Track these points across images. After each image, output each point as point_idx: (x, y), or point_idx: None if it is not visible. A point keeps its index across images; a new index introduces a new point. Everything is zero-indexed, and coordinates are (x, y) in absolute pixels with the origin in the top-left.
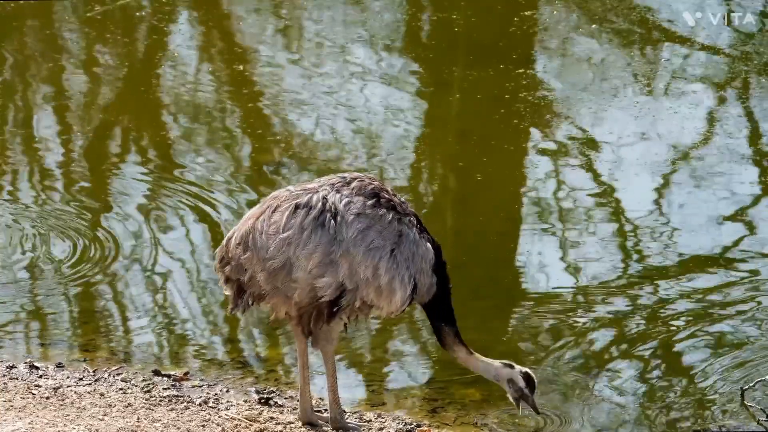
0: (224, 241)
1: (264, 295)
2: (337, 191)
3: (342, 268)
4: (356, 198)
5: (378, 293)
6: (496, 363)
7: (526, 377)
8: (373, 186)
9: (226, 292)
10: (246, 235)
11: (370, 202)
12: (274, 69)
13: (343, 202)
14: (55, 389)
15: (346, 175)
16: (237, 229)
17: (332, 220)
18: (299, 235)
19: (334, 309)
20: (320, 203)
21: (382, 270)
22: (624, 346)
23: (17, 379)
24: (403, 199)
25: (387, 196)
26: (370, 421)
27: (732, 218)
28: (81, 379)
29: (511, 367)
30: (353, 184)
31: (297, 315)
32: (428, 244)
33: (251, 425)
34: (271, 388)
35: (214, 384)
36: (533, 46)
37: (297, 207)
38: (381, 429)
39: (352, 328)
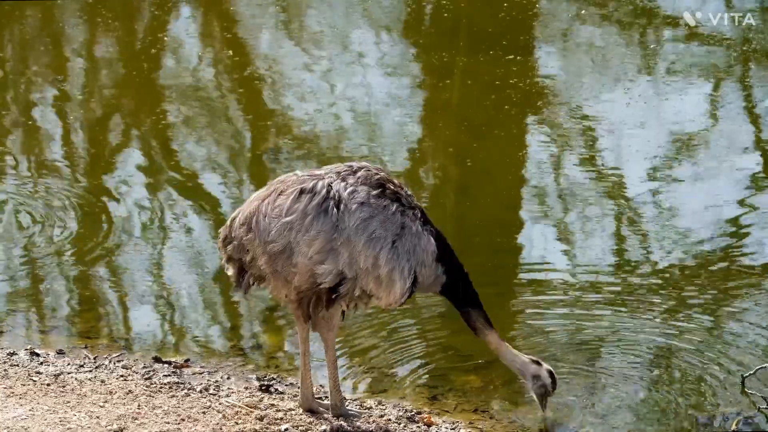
0: (228, 221)
1: (264, 277)
2: (343, 179)
3: (342, 257)
4: (361, 187)
5: (377, 283)
6: (525, 357)
7: (552, 376)
8: (379, 176)
9: (229, 272)
10: (250, 216)
11: (374, 192)
12: (275, 56)
13: (348, 191)
14: (56, 376)
15: (353, 163)
16: (242, 210)
17: (335, 208)
18: (301, 221)
19: (333, 296)
20: (324, 190)
21: (382, 260)
22: (624, 333)
23: (18, 365)
24: (409, 192)
25: (393, 187)
26: (371, 408)
27: (732, 205)
28: (82, 365)
29: (539, 364)
30: (359, 173)
31: (296, 299)
32: (430, 237)
33: (252, 412)
34: (272, 375)
35: (215, 371)
36: (535, 34)
37: (302, 192)
38: (381, 416)
39: (353, 316)
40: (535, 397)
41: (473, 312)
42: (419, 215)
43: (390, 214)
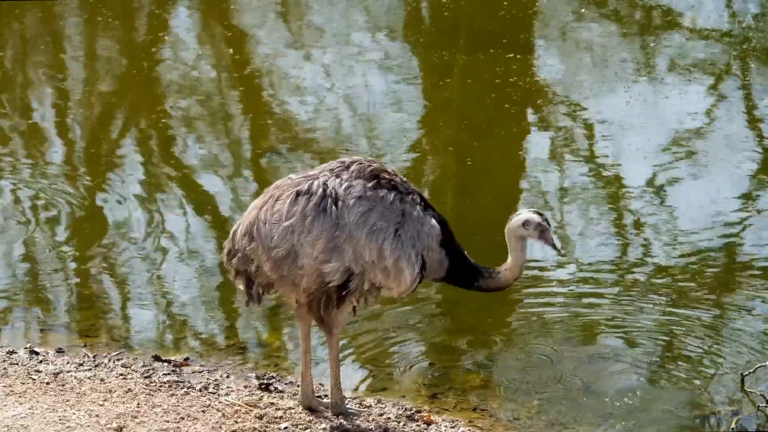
0: (231, 234)
1: (271, 283)
2: (337, 176)
3: (347, 253)
4: (356, 181)
5: (385, 275)
6: (507, 235)
7: (533, 212)
8: (372, 168)
9: (239, 286)
10: (250, 225)
11: (370, 185)
12: (274, 55)
13: (343, 187)
14: (56, 374)
15: (345, 159)
16: (242, 221)
17: (333, 206)
18: (302, 223)
19: (343, 293)
20: (321, 189)
21: (387, 251)
22: (623, 330)
23: (17, 364)
24: (404, 179)
25: (387, 176)
26: (370, 406)
27: (732, 203)
28: (81, 364)
29: (510, 219)
30: (352, 168)
31: (307, 301)
32: (433, 221)
33: (251, 411)
34: (271, 374)
35: (214, 370)
36: (535, 32)
37: (298, 194)
38: (381, 414)
39: (355, 314)
40: (545, 242)
41: (480, 282)
42: (419, 200)
43: (388, 204)
